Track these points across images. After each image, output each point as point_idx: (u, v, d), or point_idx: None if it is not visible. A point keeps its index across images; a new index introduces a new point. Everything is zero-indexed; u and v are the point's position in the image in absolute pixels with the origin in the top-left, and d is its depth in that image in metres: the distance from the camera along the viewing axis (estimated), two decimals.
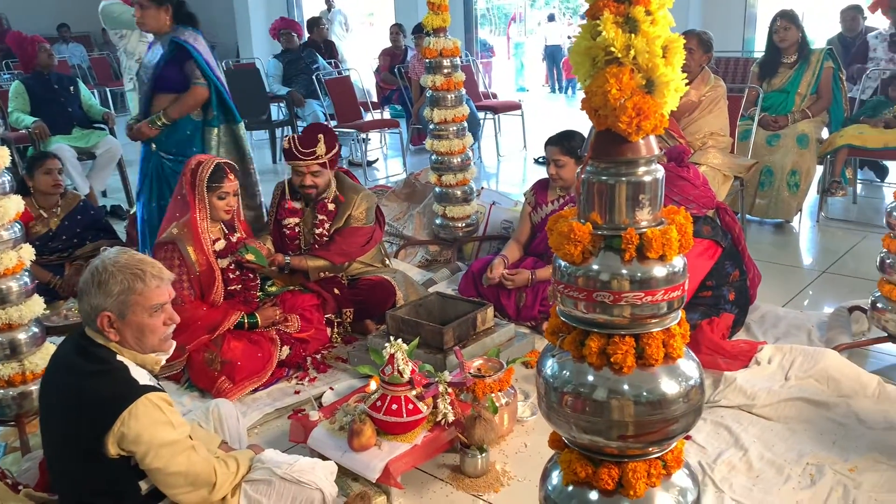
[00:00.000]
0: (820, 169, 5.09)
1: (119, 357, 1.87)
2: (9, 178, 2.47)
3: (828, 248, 4.63)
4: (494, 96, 8.63)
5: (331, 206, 3.55)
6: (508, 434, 2.66)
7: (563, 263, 1.20)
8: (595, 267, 1.16)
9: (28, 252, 2.54)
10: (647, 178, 1.15)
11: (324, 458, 2.28)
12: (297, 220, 3.58)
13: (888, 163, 5.62)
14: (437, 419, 2.43)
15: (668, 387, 1.20)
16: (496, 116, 7.89)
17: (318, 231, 3.54)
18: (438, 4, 4.06)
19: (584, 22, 1.11)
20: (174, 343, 2.02)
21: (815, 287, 4.00)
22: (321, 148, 3.43)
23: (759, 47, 7.44)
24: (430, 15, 4.06)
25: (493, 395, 2.58)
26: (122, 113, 10.81)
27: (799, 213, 5.02)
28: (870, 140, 4.81)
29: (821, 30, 6.81)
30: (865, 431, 2.55)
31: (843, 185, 5.09)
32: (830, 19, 6.92)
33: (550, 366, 1.27)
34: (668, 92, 1.06)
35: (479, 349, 2.96)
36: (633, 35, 1.05)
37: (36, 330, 2.59)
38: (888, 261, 2.85)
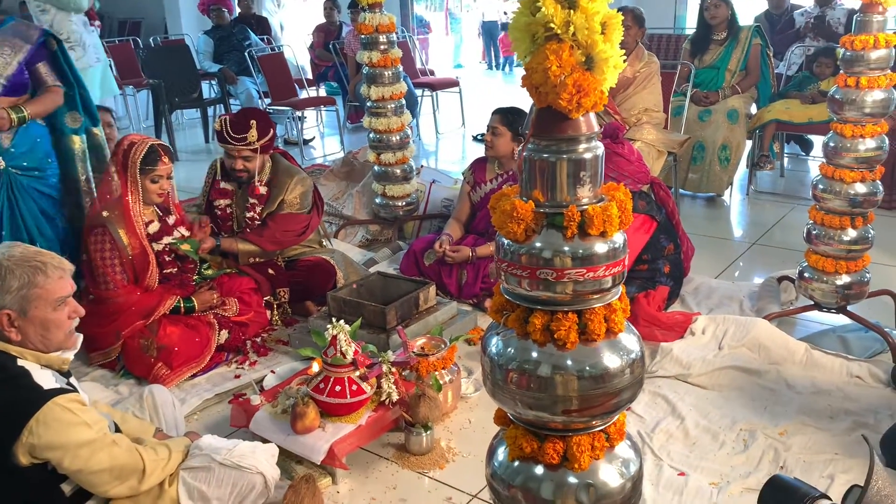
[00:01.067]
0: (749, 143, 5.25)
1: (20, 362, 1.78)
2: None
3: (757, 221, 4.79)
4: (432, 73, 8.58)
5: (262, 190, 3.46)
6: (452, 411, 2.68)
7: (506, 241, 1.20)
8: (538, 244, 1.17)
9: None
10: (587, 156, 1.16)
11: (266, 441, 2.26)
12: (228, 201, 3.49)
13: (813, 137, 5.82)
14: (382, 399, 2.43)
15: (611, 361, 1.22)
16: (434, 94, 7.85)
17: (248, 214, 3.46)
18: None
19: None
20: (80, 337, 1.94)
21: (746, 258, 4.13)
22: (253, 134, 3.33)
23: (690, 24, 7.59)
24: None
25: (436, 373, 2.59)
26: None
27: (730, 186, 5.17)
28: (796, 115, 4.98)
29: (748, 7, 6.97)
30: (794, 396, 2.66)
31: (772, 158, 5.26)
32: None
33: (495, 343, 1.27)
34: (608, 69, 1.07)
35: (422, 328, 2.96)
36: (572, 11, 1.04)
37: None
38: (814, 232, 2.95)
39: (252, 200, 3.46)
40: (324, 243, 3.80)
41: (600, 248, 1.16)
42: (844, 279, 2.91)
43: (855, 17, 2.70)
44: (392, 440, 2.51)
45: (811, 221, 2.97)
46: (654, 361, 2.89)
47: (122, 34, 10.85)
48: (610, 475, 1.30)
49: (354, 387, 2.34)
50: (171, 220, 3.16)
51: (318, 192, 3.68)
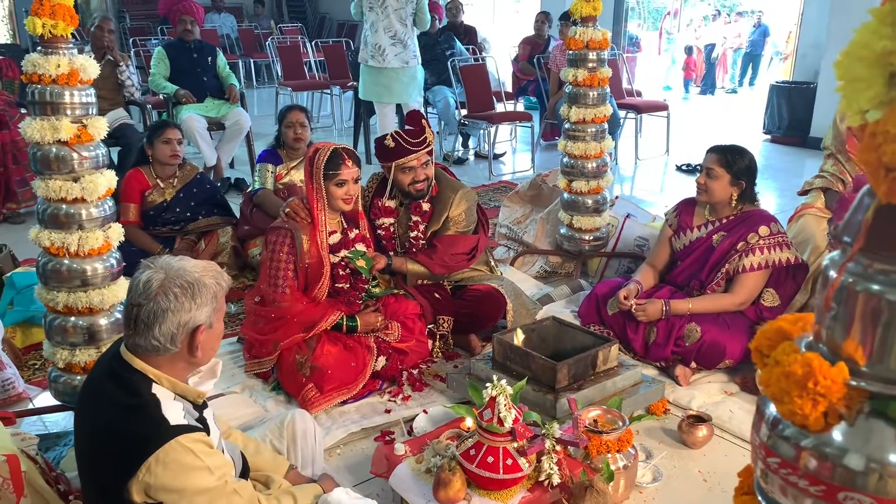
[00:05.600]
0: None
1: (155, 388, 1.61)
2: (103, 151, 2.30)
3: None
4: (639, 94, 8.03)
5: (425, 207, 3.22)
6: (623, 502, 2.25)
7: (782, 422, 0.73)
8: (845, 444, 0.67)
9: (117, 232, 2.36)
10: None
11: (403, 501, 1.97)
12: (392, 220, 3.27)
13: None
14: (540, 479, 2.06)
15: None
16: (638, 116, 7.30)
17: (412, 234, 3.22)
18: None
19: (877, 7, 0.62)
20: (220, 364, 1.79)
21: None
22: (429, 133, 3.12)
23: None
24: (580, 1, 3.62)
25: (608, 456, 2.17)
26: (266, 84, 11.02)
27: None
28: None
29: None
30: None
31: None
32: None
33: None
34: None
35: (598, 393, 2.55)
36: None
37: (119, 316, 2.42)
38: None
39: (415, 218, 3.22)
40: (491, 265, 3.49)
41: None
42: None
43: None
44: None
45: None
46: None
47: (341, 36, 11.28)
48: None
49: (510, 461, 1.99)
50: (352, 234, 3.01)
51: (482, 209, 3.38)
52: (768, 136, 8.32)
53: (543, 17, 8.10)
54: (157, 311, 1.57)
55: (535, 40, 8.16)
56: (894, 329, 0.66)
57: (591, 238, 3.97)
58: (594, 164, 3.86)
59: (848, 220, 0.68)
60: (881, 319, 0.65)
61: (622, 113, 7.05)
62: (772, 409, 0.70)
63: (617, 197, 4.66)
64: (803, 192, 3.57)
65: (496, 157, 7.19)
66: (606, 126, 3.91)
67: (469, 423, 2.21)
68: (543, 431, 2.07)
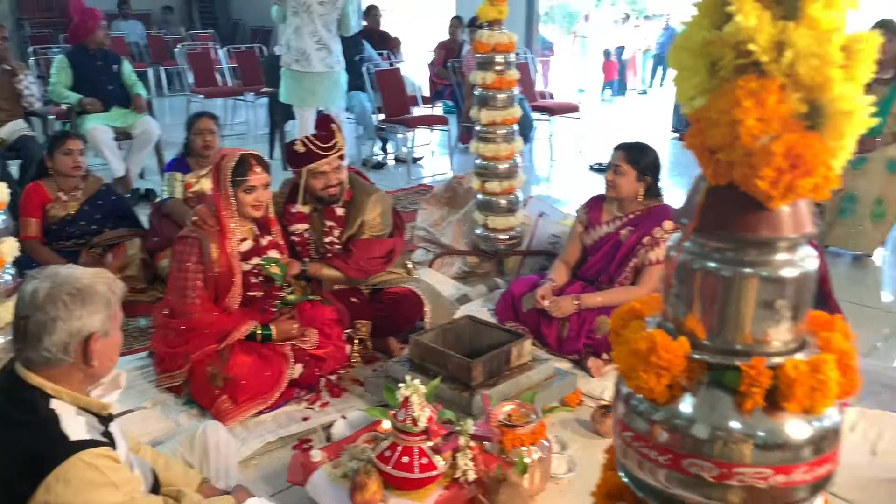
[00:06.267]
0: None
1: (54, 403, 1.55)
2: None
3: None
4: (551, 96, 8.20)
5: (339, 212, 3.21)
6: (538, 493, 2.29)
7: (634, 397, 0.76)
8: (690, 414, 0.71)
9: (11, 247, 2.26)
10: (790, 273, 0.71)
11: None
12: (306, 226, 3.24)
13: None
14: (456, 476, 2.08)
15: None
16: (551, 118, 7.46)
17: (327, 239, 3.21)
18: None
19: (701, 0, 0.66)
20: (124, 374, 1.73)
21: None
22: (340, 137, 3.11)
23: None
24: (486, 5, 3.69)
25: (523, 449, 2.21)
26: (178, 92, 10.71)
27: (881, 246, 4.51)
28: None
29: None
30: None
31: None
32: None
33: None
34: (849, 127, 0.64)
35: (513, 388, 2.59)
36: (790, 23, 0.63)
37: None
38: None
39: (330, 223, 3.21)
40: (408, 266, 3.50)
41: (797, 432, 0.72)
42: None
43: None
44: None
45: None
46: None
47: (254, 42, 11.09)
48: None
49: (425, 460, 2.01)
50: (265, 240, 2.97)
51: (398, 212, 3.40)
52: (677, 135, 8.64)
53: (457, 22, 8.19)
54: (45, 320, 1.51)
55: (450, 45, 8.24)
56: (730, 303, 0.70)
57: (507, 237, 4.03)
58: (506, 165, 3.92)
59: (685, 202, 0.72)
60: (718, 295, 0.70)
61: (536, 115, 7.19)
62: (626, 386, 0.74)
63: (531, 196, 4.75)
64: None
65: (415, 161, 7.22)
66: (517, 127, 3.98)
67: (386, 425, 2.21)
68: (458, 429, 2.10)
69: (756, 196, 0.65)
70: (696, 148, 0.66)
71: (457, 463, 2.07)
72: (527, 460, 2.18)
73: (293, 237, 3.22)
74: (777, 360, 0.70)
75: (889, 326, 3.59)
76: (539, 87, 8.07)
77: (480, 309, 3.49)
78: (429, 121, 7.18)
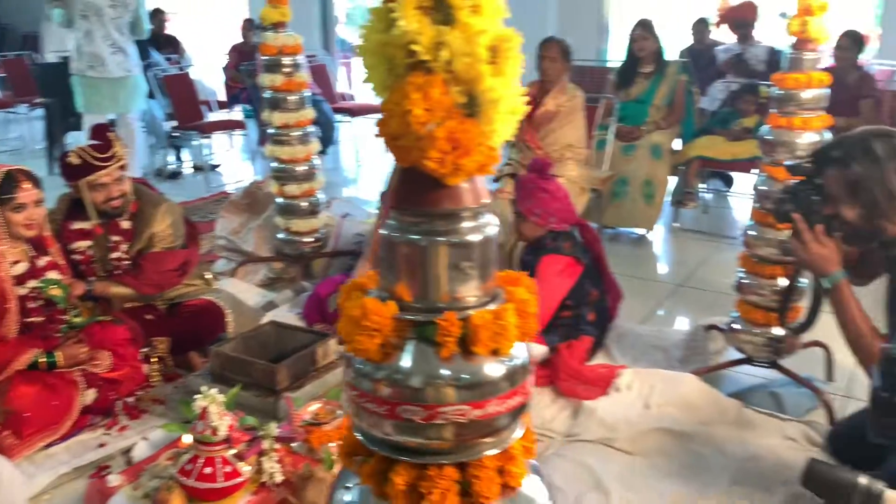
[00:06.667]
0: (672, 179, 5.12)
1: None
2: None
3: (681, 260, 4.63)
4: (352, 98, 8.26)
5: (126, 225, 3.06)
6: None
7: (356, 361, 0.85)
8: (401, 367, 0.81)
9: None
10: (473, 238, 0.82)
11: None
12: (89, 242, 3.05)
13: (734, 173, 5.78)
14: (262, 480, 2.07)
15: None
16: (352, 119, 7.51)
17: (114, 255, 3.04)
18: None
19: (376, 6, 0.75)
20: None
21: (671, 301, 3.94)
22: (118, 148, 2.96)
23: (612, 56, 7.52)
24: (268, 8, 3.66)
25: (332, 445, 2.24)
26: None
27: (658, 223, 5.02)
28: (720, 152, 4.90)
29: (674, 41, 6.95)
30: (726, 463, 2.43)
31: (696, 196, 5.16)
32: (682, 31, 7.12)
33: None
34: (498, 114, 0.75)
35: (320, 387, 2.61)
36: (446, 27, 0.72)
37: None
38: (745, 281, 2.76)
39: (115, 238, 3.04)
40: (206, 277, 3.40)
41: (491, 371, 0.82)
42: (777, 331, 2.72)
43: (786, 53, 2.54)
44: None
45: (742, 270, 2.78)
46: (576, 422, 2.63)
47: (24, 48, 10.13)
48: None
49: (228, 468, 1.98)
50: (42, 261, 2.75)
51: (190, 221, 3.31)
52: None
53: (248, 25, 8.00)
54: None
55: (243, 48, 8.02)
56: (427, 268, 0.81)
57: (311, 240, 4.03)
58: (304, 168, 3.92)
59: (387, 185, 0.81)
60: (417, 262, 0.80)
61: (339, 117, 7.21)
62: (348, 355, 0.83)
63: (334, 198, 4.78)
64: (496, 179, 3.99)
65: (213, 168, 6.98)
66: (312, 129, 3.98)
67: (186, 439, 2.15)
68: (261, 433, 2.09)
69: (432, 174, 0.75)
70: (384, 136, 0.75)
71: (262, 467, 2.06)
72: (334, 456, 2.21)
73: (75, 256, 3.01)
74: (469, 312, 0.80)
75: (659, 295, 4.02)
76: (343, 88, 8.09)
77: (287, 314, 3.46)
78: (225, 126, 6.97)
